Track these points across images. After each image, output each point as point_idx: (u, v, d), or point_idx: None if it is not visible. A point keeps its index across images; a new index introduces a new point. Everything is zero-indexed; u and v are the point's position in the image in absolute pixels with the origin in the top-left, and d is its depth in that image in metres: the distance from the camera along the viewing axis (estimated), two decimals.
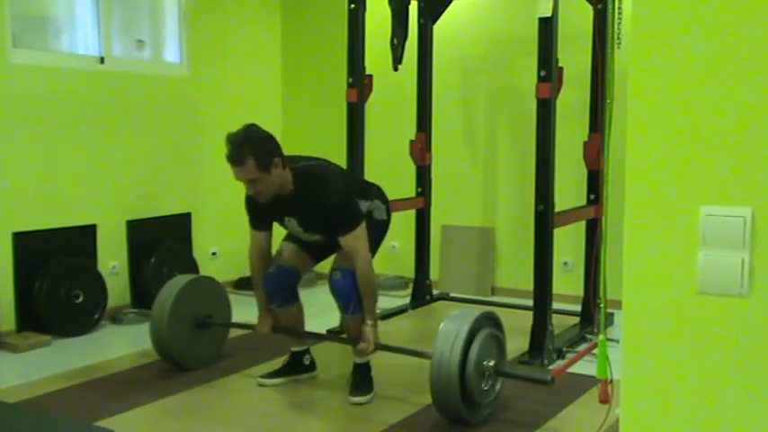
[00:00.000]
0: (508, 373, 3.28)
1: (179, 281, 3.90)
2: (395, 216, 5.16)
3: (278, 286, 3.62)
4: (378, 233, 3.59)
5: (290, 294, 3.67)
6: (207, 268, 5.43)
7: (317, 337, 3.88)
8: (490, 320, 3.25)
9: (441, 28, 5.21)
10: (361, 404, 3.42)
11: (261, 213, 3.53)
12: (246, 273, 5.74)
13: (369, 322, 3.40)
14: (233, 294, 5.65)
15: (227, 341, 4.42)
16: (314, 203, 3.35)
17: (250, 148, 3.19)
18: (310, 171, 3.42)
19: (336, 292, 3.48)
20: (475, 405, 3.13)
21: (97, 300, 4.73)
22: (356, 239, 3.34)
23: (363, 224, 3.37)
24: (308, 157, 3.58)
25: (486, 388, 3.16)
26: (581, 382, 3.50)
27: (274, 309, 3.68)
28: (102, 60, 4.91)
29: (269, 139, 3.29)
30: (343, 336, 3.72)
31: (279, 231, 3.63)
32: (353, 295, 3.42)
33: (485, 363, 3.13)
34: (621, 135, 1.41)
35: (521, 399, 3.55)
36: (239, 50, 5.87)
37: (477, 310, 3.23)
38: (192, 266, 5.27)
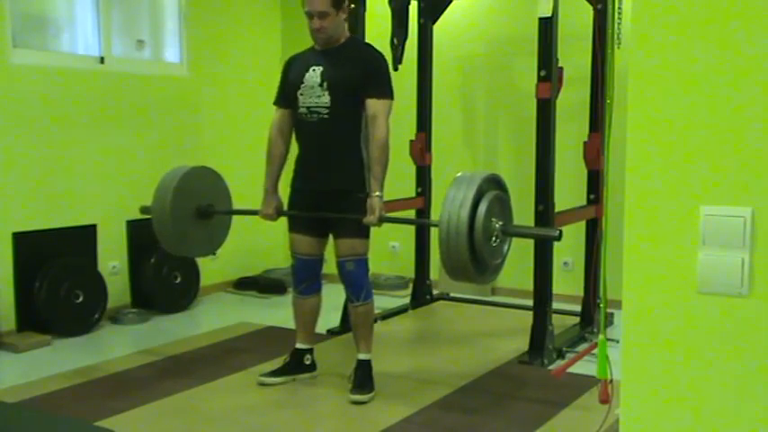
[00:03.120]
0: (515, 232, 3.28)
1: (177, 172, 3.80)
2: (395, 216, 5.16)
3: (303, 275, 3.66)
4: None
5: (314, 283, 3.69)
6: (207, 268, 5.43)
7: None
8: (495, 183, 3.22)
9: (441, 28, 5.21)
10: (362, 402, 3.42)
11: (287, 77, 3.61)
12: (246, 273, 5.79)
13: (376, 193, 3.39)
14: (233, 294, 5.68)
15: (227, 339, 4.43)
16: (358, 53, 3.51)
17: None
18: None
19: (350, 282, 3.52)
20: (484, 265, 3.12)
21: (97, 300, 4.73)
22: (384, 106, 3.44)
23: (391, 103, 3.47)
24: None
25: (494, 245, 3.13)
26: (581, 382, 3.50)
27: (295, 296, 3.72)
28: (102, 60, 4.91)
29: None
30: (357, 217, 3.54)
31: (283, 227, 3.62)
32: (366, 283, 3.53)
33: (492, 225, 3.10)
34: (621, 135, 1.41)
35: (521, 399, 3.56)
36: (239, 50, 5.87)
37: (482, 173, 3.20)
38: (192, 266, 5.27)
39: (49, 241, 4.58)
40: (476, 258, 3.06)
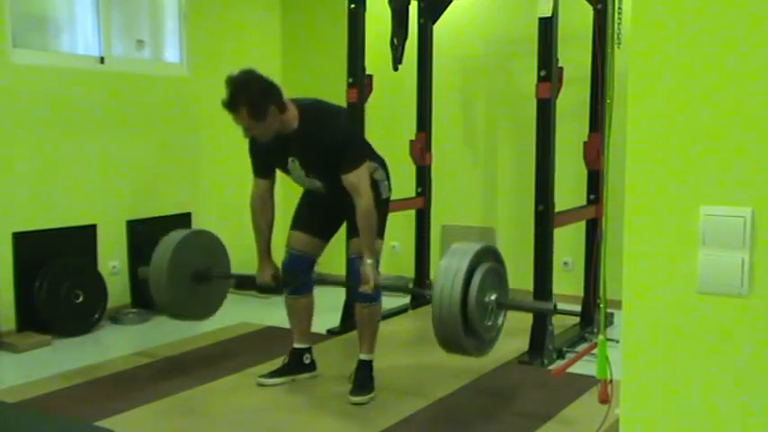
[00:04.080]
0: (510, 305, 3.25)
1: (176, 235, 3.83)
2: (395, 216, 5.16)
3: (293, 272, 3.64)
4: (383, 212, 3.57)
5: (305, 283, 3.67)
6: None
7: (319, 282, 3.80)
8: (490, 254, 3.19)
9: (441, 28, 5.21)
10: (361, 404, 3.42)
11: (264, 157, 3.53)
12: (246, 272, 5.78)
13: (368, 261, 3.35)
14: (233, 294, 5.66)
15: (227, 339, 4.42)
16: (319, 136, 3.34)
17: (244, 97, 3.21)
18: (317, 104, 3.47)
19: (358, 279, 3.45)
20: (479, 339, 3.10)
21: (97, 300, 4.73)
22: (358, 177, 3.33)
23: (366, 163, 3.37)
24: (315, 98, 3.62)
25: (489, 323, 3.12)
26: (581, 382, 3.50)
27: (286, 297, 3.70)
28: (102, 60, 4.91)
29: (265, 88, 3.28)
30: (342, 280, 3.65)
31: (283, 229, 3.62)
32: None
33: (486, 298, 3.08)
34: (621, 135, 1.41)
35: (521, 398, 3.56)
36: (239, 50, 5.87)
37: (477, 244, 3.18)
38: None
39: (49, 241, 4.58)
40: (469, 330, 3.04)
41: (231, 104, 3.22)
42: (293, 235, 3.66)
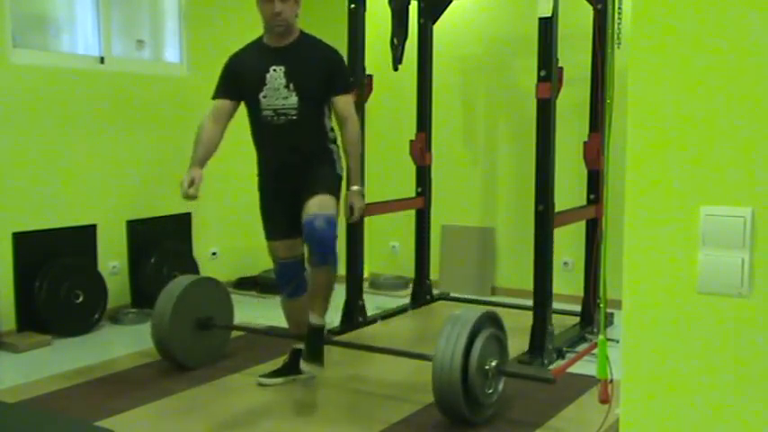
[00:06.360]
0: (511, 372, 3.29)
1: (181, 281, 3.90)
2: (395, 216, 5.16)
3: (286, 278, 3.65)
4: (339, 188, 3.58)
5: (300, 284, 3.66)
6: (207, 268, 5.43)
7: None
8: (491, 320, 3.25)
9: (441, 28, 5.21)
10: (312, 376, 3.50)
11: (238, 73, 3.52)
12: (246, 273, 5.79)
13: (355, 188, 3.50)
14: (233, 294, 5.66)
15: (228, 341, 4.42)
16: (316, 51, 3.47)
17: None
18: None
19: (319, 240, 3.32)
20: (478, 405, 3.14)
21: (97, 300, 4.73)
22: (349, 103, 3.50)
23: (353, 94, 3.52)
24: None
25: (489, 391, 3.17)
26: (581, 382, 3.50)
27: (283, 300, 3.70)
28: (102, 60, 4.91)
29: None
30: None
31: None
32: (334, 246, 3.36)
33: (487, 365, 3.14)
34: (621, 135, 1.41)
35: (521, 398, 3.56)
36: None
37: (478, 311, 3.23)
38: (192, 266, 5.27)
39: (49, 241, 4.58)
40: (469, 399, 3.07)
41: None
42: (273, 246, 3.63)
